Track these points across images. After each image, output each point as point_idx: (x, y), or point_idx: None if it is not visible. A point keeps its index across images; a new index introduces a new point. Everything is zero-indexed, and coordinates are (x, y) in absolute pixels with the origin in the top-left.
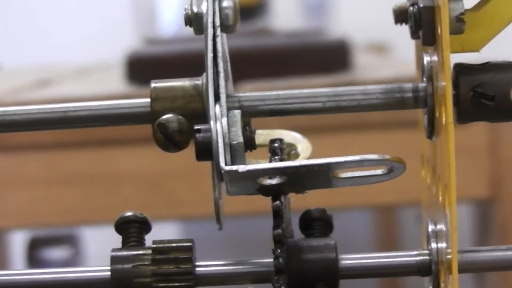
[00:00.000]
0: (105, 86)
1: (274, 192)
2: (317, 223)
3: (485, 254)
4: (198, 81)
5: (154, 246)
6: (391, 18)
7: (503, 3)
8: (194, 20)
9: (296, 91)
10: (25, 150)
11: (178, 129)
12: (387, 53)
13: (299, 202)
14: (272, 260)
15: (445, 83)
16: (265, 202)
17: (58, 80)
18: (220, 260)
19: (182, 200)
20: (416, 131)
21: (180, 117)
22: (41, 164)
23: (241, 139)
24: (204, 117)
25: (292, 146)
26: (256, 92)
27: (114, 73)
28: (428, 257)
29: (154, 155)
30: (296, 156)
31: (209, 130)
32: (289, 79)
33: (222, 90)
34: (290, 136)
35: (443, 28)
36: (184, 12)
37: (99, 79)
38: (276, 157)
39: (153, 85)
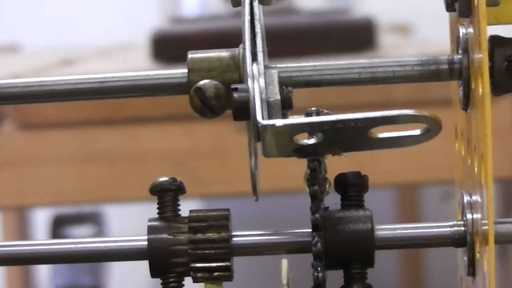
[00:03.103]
0: (130, 65)
1: (310, 153)
2: (352, 188)
3: None
4: (235, 51)
5: (191, 224)
6: None
7: None
8: None
9: (332, 62)
10: (50, 128)
11: (214, 94)
12: (410, 34)
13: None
14: (308, 230)
15: (482, 55)
16: (293, 181)
17: (82, 59)
18: (255, 230)
19: (207, 178)
20: (442, 110)
21: (216, 82)
22: (66, 141)
23: (278, 96)
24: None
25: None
26: (292, 63)
27: (139, 52)
28: (463, 228)
29: (180, 134)
30: None
31: (246, 89)
32: (314, 58)
33: (259, 49)
34: None
35: None
36: None
37: (124, 59)
38: (313, 113)
39: (190, 55)
